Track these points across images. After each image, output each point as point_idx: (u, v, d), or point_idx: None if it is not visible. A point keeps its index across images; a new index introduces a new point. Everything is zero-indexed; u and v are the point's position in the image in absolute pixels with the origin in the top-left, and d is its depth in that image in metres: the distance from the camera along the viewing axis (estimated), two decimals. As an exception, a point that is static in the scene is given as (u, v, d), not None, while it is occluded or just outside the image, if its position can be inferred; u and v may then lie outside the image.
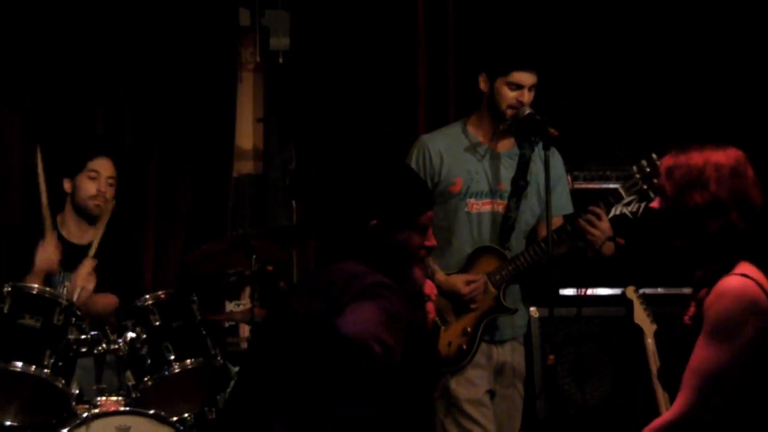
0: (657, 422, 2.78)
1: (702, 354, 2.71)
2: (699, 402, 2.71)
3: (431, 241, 2.91)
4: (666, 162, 2.84)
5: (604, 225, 4.00)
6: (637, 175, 4.05)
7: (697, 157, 2.79)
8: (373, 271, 2.73)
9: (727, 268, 2.76)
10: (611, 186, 4.38)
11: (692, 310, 2.83)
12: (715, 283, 2.75)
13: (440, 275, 4.07)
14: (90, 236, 4.56)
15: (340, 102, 5.46)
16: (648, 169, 4.03)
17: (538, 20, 5.37)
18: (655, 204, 2.88)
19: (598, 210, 4.01)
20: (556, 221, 4.08)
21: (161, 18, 5.35)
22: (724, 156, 2.80)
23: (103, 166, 4.61)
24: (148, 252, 5.28)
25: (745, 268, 2.76)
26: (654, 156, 4.00)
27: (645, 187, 4.04)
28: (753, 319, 2.69)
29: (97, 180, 4.58)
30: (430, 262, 3.95)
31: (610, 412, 4.69)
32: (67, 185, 4.62)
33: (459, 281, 4.05)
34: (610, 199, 4.06)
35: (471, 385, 4.08)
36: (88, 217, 4.60)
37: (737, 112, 5.26)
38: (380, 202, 2.85)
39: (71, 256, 4.49)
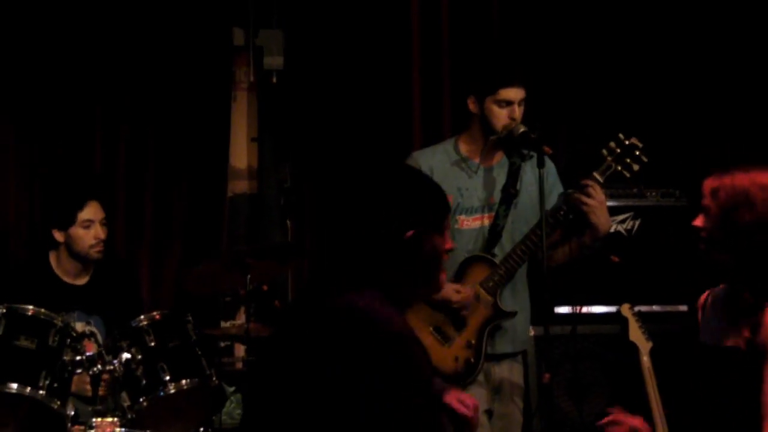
0: None
1: None
2: None
3: (450, 244, 2.62)
4: (710, 183, 2.98)
5: (599, 194, 4.00)
6: (609, 158, 4.07)
7: (742, 179, 2.94)
8: (386, 306, 2.41)
9: None
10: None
11: (746, 334, 2.90)
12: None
13: None
14: (85, 277, 4.54)
15: (334, 120, 5.47)
16: (618, 150, 4.05)
17: (533, 28, 5.38)
18: (698, 222, 3.00)
19: (590, 182, 4.01)
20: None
21: (155, 38, 5.36)
22: None
23: (94, 212, 4.48)
24: (144, 271, 5.28)
25: None
26: (621, 136, 4.02)
27: (619, 167, 4.06)
28: None
29: (91, 228, 4.46)
30: None
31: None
32: (58, 236, 4.47)
33: (449, 289, 4.05)
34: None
35: (470, 404, 4.07)
36: (86, 261, 4.52)
37: (737, 119, 5.27)
38: (411, 208, 2.49)
39: (65, 296, 4.45)
